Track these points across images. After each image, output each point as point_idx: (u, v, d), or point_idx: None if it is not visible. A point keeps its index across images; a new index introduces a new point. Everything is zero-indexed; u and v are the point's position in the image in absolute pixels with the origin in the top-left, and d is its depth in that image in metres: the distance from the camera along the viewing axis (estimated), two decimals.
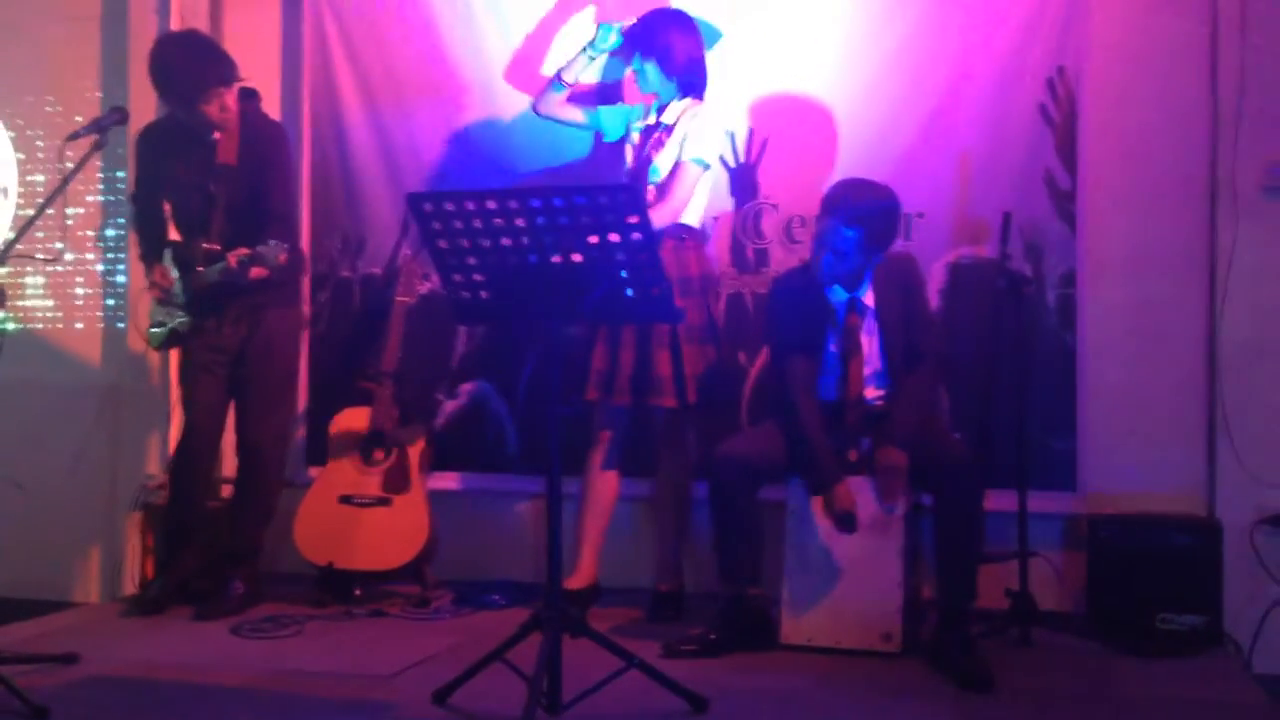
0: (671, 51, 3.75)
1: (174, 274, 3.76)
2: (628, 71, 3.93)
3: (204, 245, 3.67)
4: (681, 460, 3.86)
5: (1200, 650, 3.45)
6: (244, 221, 3.68)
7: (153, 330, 3.84)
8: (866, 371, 3.45)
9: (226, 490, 4.22)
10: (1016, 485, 3.50)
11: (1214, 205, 3.79)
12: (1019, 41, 3.88)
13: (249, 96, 3.90)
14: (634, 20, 3.86)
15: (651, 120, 3.82)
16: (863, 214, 3.35)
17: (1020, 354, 3.58)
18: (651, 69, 3.77)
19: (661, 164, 3.72)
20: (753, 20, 4.10)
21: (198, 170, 3.74)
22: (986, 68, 3.91)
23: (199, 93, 3.63)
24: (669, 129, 3.74)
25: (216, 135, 3.73)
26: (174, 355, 4.10)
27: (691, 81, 3.80)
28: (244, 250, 3.53)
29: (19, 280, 4.66)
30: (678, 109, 3.76)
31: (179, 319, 3.77)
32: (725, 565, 3.43)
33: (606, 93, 4.15)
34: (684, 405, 3.71)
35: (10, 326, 4.55)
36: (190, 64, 3.64)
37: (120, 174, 4.51)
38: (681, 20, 3.84)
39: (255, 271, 3.56)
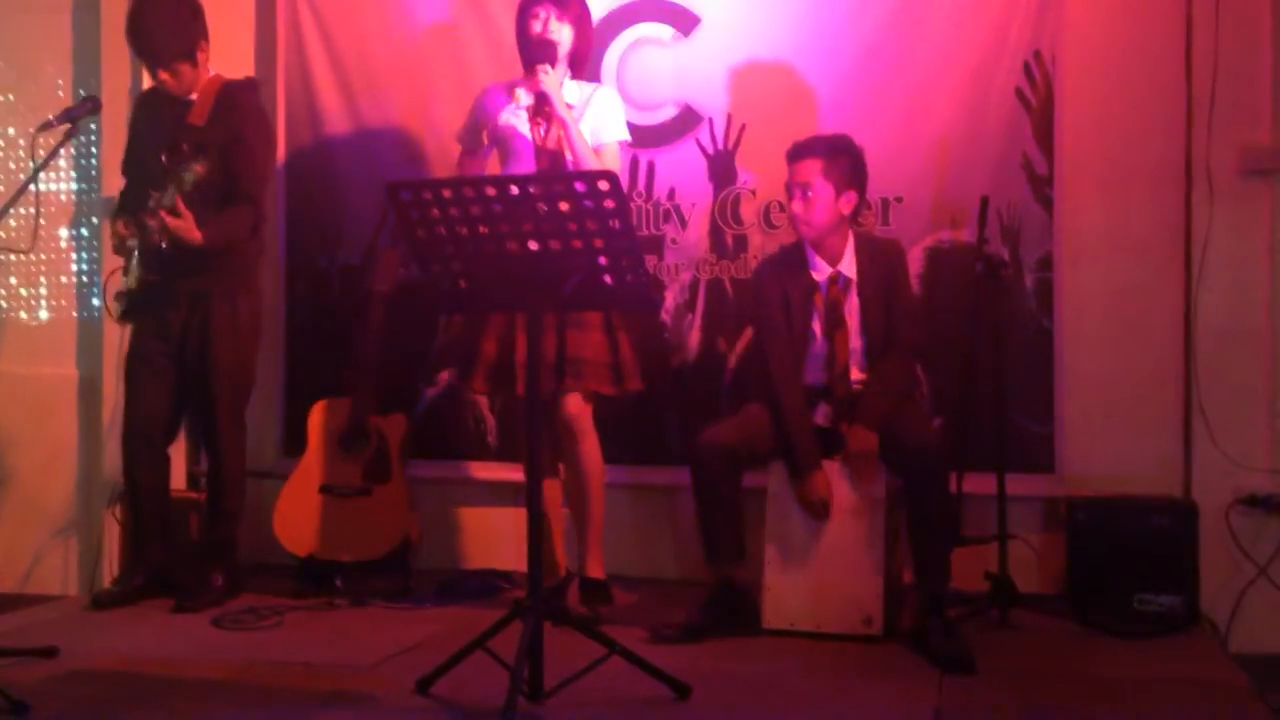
0: (582, 22, 3.65)
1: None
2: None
3: (162, 157, 3.68)
4: (590, 450, 3.64)
5: (1178, 630, 3.48)
6: (205, 187, 3.64)
7: (115, 301, 3.83)
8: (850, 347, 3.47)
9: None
10: (995, 468, 3.52)
11: (1190, 189, 3.80)
12: (997, 25, 3.88)
13: (250, 83, 3.95)
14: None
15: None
16: (816, 145, 3.47)
17: (998, 338, 3.59)
18: (566, 32, 3.60)
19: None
20: (730, 5, 4.09)
21: (167, 127, 3.76)
22: (964, 52, 3.91)
23: (155, 62, 3.73)
24: (570, 107, 3.58)
25: (192, 96, 3.77)
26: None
27: (584, 59, 3.71)
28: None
29: None
30: (575, 90, 3.64)
31: (135, 276, 3.74)
32: (711, 550, 3.45)
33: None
34: (622, 392, 3.61)
35: None
36: (153, 33, 3.69)
37: (94, 163, 4.48)
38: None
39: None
